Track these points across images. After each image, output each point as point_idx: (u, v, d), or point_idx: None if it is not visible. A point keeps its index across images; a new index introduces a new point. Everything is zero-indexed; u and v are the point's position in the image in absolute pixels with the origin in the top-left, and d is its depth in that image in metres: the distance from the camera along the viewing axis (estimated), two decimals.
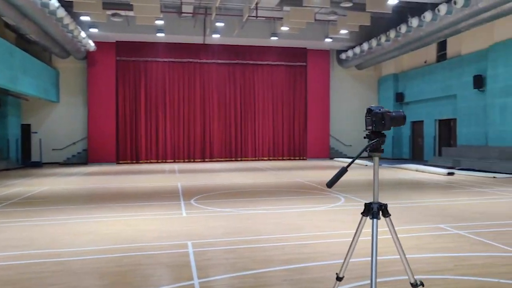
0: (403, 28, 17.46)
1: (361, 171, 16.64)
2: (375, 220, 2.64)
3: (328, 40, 22.14)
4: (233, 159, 23.93)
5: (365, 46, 20.86)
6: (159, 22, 19.66)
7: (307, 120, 24.57)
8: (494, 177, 13.16)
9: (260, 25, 21.75)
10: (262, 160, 24.13)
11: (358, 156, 2.58)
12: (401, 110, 2.67)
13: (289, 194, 10.48)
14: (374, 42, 20.03)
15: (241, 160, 23.90)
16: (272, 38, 21.81)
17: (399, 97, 23.59)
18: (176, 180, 14.01)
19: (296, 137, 24.62)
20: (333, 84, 25.24)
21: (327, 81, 24.85)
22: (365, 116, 2.66)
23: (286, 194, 10.39)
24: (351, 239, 2.81)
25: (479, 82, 17.21)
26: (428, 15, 15.66)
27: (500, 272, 4.42)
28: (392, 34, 18.37)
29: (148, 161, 23.05)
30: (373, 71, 25.91)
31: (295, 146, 24.62)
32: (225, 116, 23.94)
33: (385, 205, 2.67)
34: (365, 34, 21.51)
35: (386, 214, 2.67)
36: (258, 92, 24.29)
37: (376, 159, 2.66)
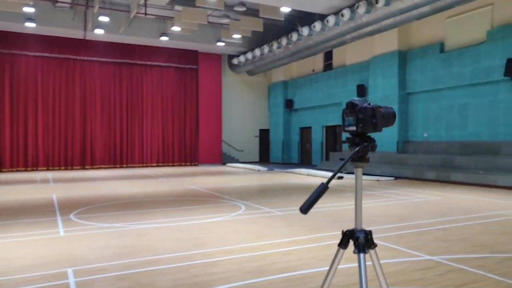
0: (294, 36, 17.92)
1: (252, 176, 16.54)
2: (362, 255, 1.97)
3: (220, 44, 21.82)
4: (118, 165, 22.05)
5: (257, 52, 21.01)
6: (29, 10, 17.16)
7: (198, 125, 23.87)
8: (378, 180, 14.07)
9: (149, 23, 20.50)
10: (150, 166, 22.69)
11: (340, 169, 1.90)
12: (389, 106, 2.06)
13: (185, 203, 9.64)
14: (266, 49, 20.26)
15: (127, 167, 22.15)
16: (162, 38, 20.71)
17: (289, 104, 24.35)
18: (51, 191, 12.11)
19: (187, 142, 23.71)
20: (225, 89, 25.00)
21: (219, 86, 24.50)
22: (344, 113, 2.01)
23: (182, 204, 9.54)
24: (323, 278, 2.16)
25: (362, 91, 18.52)
26: (317, 25, 16.27)
27: (415, 278, 4.35)
28: (283, 41, 18.76)
29: (15, 170, 19.93)
30: (263, 77, 26.37)
31: (186, 151, 23.70)
32: (109, 119, 21.97)
33: (370, 233, 2.05)
34: (256, 40, 21.70)
35: (372, 244, 2.03)
36: (147, 94, 22.84)
37: (360, 171, 2.02)
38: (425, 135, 16.11)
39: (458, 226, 6.92)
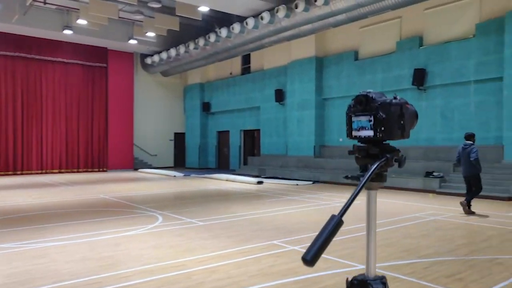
0: (212, 37, 17.39)
1: (168, 183, 15.65)
2: None
3: (132, 41, 20.49)
4: (10, 172, 19.46)
5: (173, 52, 20.10)
6: None
7: (108, 127, 22.12)
8: (297, 185, 14.07)
9: (49, 14, 18.49)
10: (51, 173, 20.42)
11: (357, 194, 1.34)
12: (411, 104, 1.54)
13: (93, 215, 8.55)
14: (182, 49, 19.44)
15: (22, 174, 19.66)
16: (66, 31, 18.80)
17: (206, 107, 23.73)
18: None
19: (95, 146, 21.80)
20: (137, 90, 23.56)
21: (130, 86, 23.01)
22: (351, 112, 1.44)
23: (90, 216, 8.43)
24: None
25: (279, 95, 18.57)
26: (236, 27, 15.93)
27: None
28: (201, 42, 18.12)
29: None
30: (179, 79, 25.41)
31: (94, 156, 21.77)
32: (0, 120, 19.33)
33: (385, 278, 1.51)
34: (172, 40, 20.77)
35: None
36: (48, 93, 20.54)
37: (374, 194, 1.47)
38: (341, 140, 16.57)
39: (382, 231, 6.94)
